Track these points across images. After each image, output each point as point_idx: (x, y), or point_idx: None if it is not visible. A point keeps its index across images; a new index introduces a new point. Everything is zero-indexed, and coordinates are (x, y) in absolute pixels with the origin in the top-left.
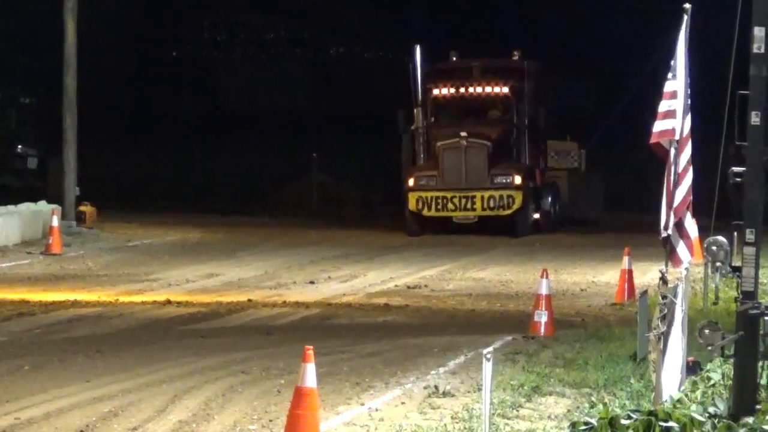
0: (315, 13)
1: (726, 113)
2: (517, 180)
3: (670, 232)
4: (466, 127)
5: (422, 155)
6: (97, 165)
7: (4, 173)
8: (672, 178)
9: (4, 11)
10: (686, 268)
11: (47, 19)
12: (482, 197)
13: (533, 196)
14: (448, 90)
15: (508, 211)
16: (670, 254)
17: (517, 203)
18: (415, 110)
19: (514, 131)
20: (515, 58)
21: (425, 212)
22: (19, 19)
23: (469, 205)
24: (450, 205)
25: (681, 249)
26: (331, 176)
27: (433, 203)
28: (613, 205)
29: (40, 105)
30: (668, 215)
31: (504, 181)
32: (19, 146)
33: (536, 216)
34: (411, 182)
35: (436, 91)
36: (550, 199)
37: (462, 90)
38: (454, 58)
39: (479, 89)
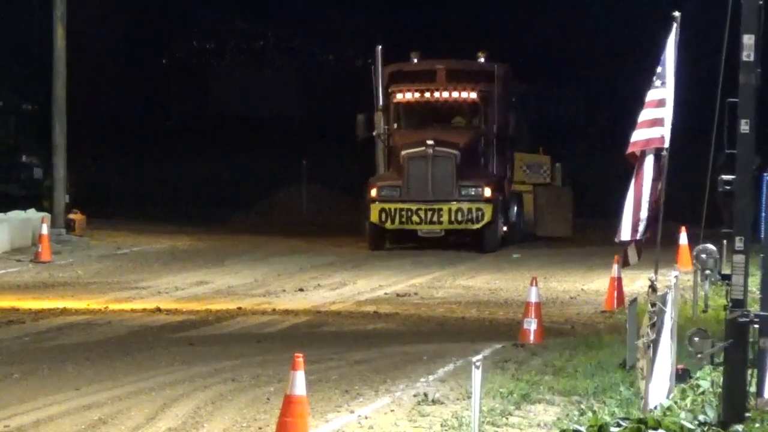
0: (304, 21)
1: (715, 121)
2: (487, 192)
3: (639, 237)
4: (431, 134)
5: (384, 163)
6: (87, 173)
7: (8, 183)
8: (648, 185)
9: (4, 18)
10: (676, 276)
11: (45, 26)
12: (449, 210)
13: (501, 208)
14: (412, 94)
15: (477, 225)
16: (623, 255)
17: (487, 217)
18: (376, 115)
19: (483, 139)
20: (481, 59)
21: (388, 225)
22: (18, 26)
23: (435, 218)
24: (415, 218)
25: (631, 252)
26: (321, 184)
27: (397, 215)
28: (597, 215)
29: (41, 113)
30: (636, 221)
31: (473, 193)
32: (24, 156)
33: (504, 229)
34: (373, 193)
35: (399, 96)
36: (515, 210)
37: (427, 94)
38: (416, 60)
39: (445, 93)
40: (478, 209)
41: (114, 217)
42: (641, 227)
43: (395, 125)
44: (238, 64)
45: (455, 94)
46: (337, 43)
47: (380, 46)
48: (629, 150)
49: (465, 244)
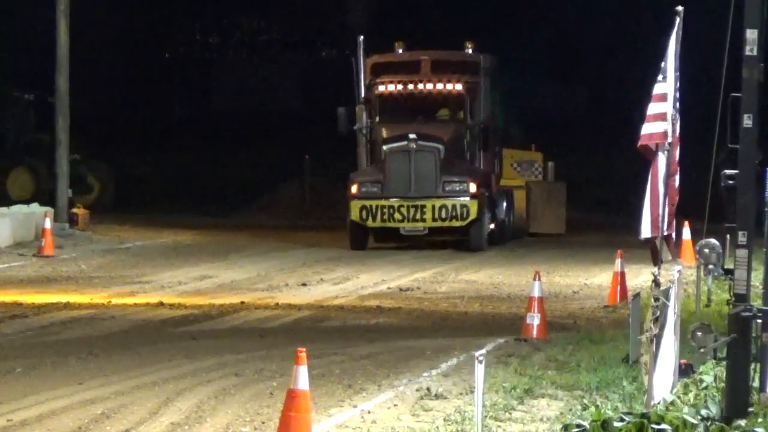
0: (307, 15)
1: (718, 116)
2: (473, 188)
3: (664, 232)
4: (414, 127)
5: (367, 159)
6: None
7: (50, 179)
8: (662, 180)
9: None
10: (679, 271)
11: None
12: (433, 207)
13: (489, 205)
14: (395, 86)
15: (462, 223)
16: (652, 253)
17: (473, 213)
18: (357, 108)
19: (468, 133)
20: (468, 50)
21: (369, 223)
22: (38, 20)
23: (418, 216)
24: (397, 215)
25: (660, 247)
26: (323, 178)
27: (378, 213)
28: (598, 210)
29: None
30: (655, 216)
31: (457, 188)
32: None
33: (492, 226)
34: (353, 189)
35: (381, 88)
36: (504, 206)
37: (410, 86)
38: (400, 50)
39: (429, 85)
40: (463, 206)
41: (117, 211)
42: (662, 223)
43: (377, 119)
44: (241, 59)
45: (440, 86)
46: (340, 38)
47: (362, 36)
48: (639, 144)
49: (450, 242)
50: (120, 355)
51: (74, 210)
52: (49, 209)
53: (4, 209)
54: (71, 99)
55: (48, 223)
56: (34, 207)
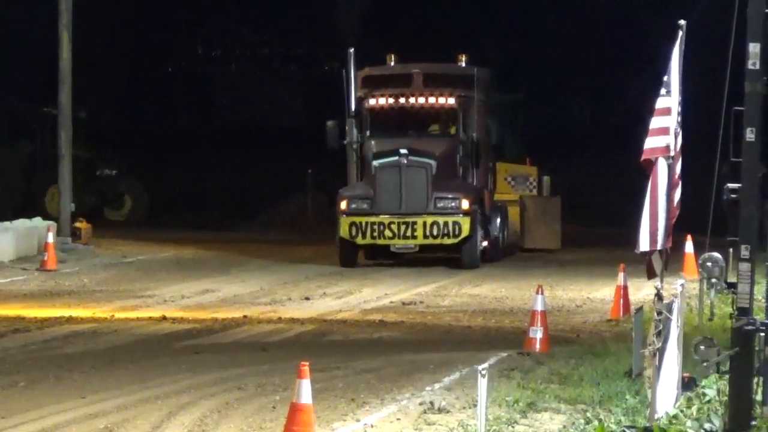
0: (309, 29)
1: (721, 129)
2: (465, 204)
3: (659, 246)
4: (405, 142)
5: (357, 174)
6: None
7: (86, 194)
8: (663, 194)
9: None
10: (682, 284)
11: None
12: (424, 224)
13: (481, 221)
14: (386, 100)
15: (454, 240)
16: (647, 267)
17: (465, 231)
18: (347, 122)
19: (461, 148)
20: (461, 63)
21: (359, 240)
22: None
23: (409, 233)
24: (387, 233)
25: (656, 261)
26: (326, 192)
27: (368, 230)
28: (599, 224)
29: (95, 119)
30: (654, 230)
31: (449, 205)
32: (106, 169)
33: (485, 243)
34: (343, 205)
35: (372, 101)
36: (498, 223)
37: (402, 100)
38: (392, 63)
39: (421, 99)
40: (455, 223)
41: (119, 225)
42: (660, 237)
43: (368, 133)
44: (244, 72)
45: (432, 100)
46: (342, 50)
47: (352, 49)
48: (642, 158)
49: (443, 259)
50: (123, 369)
51: (77, 224)
52: (51, 223)
53: (6, 223)
54: (99, 114)
55: (51, 237)
56: (37, 221)
